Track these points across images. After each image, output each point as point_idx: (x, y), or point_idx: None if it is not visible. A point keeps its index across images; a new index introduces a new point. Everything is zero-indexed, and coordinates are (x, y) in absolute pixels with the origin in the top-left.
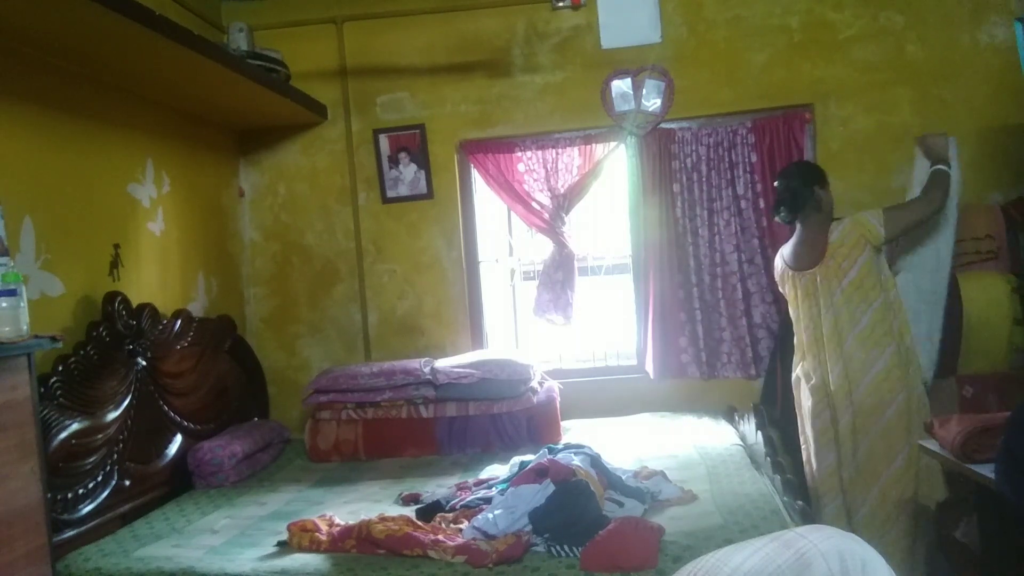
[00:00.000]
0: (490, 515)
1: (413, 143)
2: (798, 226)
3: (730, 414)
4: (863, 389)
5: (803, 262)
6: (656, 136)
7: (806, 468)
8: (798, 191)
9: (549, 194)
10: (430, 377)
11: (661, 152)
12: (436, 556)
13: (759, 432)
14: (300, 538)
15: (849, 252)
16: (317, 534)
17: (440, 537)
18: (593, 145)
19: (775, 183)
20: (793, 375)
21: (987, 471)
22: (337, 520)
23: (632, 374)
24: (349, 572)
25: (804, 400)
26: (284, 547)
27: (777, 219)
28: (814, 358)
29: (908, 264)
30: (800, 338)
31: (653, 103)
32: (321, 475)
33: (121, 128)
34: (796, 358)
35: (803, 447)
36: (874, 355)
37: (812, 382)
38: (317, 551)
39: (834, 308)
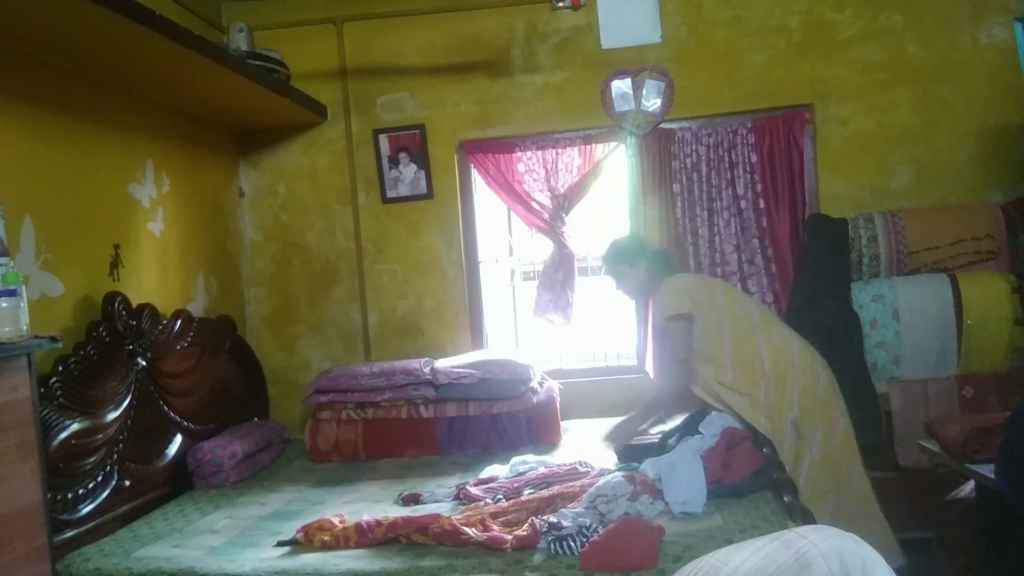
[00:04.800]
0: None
1: (413, 143)
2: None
3: None
4: None
5: None
6: (656, 136)
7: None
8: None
9: (549, 194)
10: (430, 377)
11: (661, 152)
12: (473, 535)
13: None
14: (319, 535)
15: None
16: (337, 529)
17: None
18: (593, 145)
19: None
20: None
21: (987, 471)
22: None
23: (632, 374)
24: (348, 572)
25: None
26: (297, 546)
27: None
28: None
29: None
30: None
31: (653, 103)
32: (321, 475)
33: (121, 128)
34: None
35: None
36: None
37: None
38: (338, 548)
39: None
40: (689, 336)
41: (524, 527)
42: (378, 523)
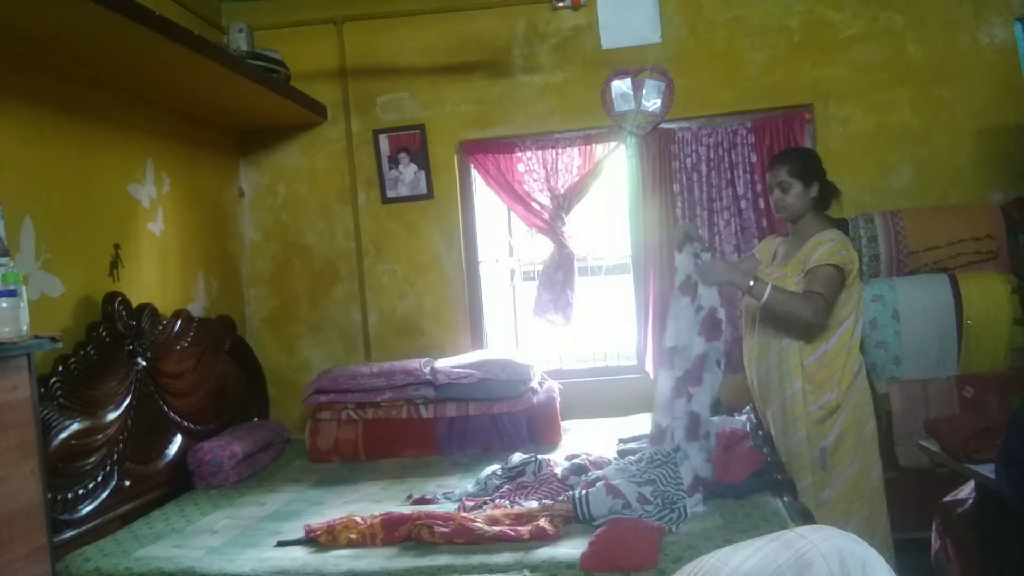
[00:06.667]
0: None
1: (413, 143)
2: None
3: (729, 414)
4: None
5: None
6: (656, 136)
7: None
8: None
9: (549, 194)
10: (430, 377)
11: (661, 152)
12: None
13: (760, 432)
14: (345, 534)
15: None
16: (364, 527)
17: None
18: (593, 145)
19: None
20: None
21: (987, 471)
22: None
23: (632, 374)
24: (348, 571)
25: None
26: (306, 545)
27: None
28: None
29: None
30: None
31: (653, 103)
32: (321, 475)
33: (121, 128)
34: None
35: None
36: None
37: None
38: (365, 546)
39: None
40: (839, 292)
41: (542, 521)
42: (403, 519)
